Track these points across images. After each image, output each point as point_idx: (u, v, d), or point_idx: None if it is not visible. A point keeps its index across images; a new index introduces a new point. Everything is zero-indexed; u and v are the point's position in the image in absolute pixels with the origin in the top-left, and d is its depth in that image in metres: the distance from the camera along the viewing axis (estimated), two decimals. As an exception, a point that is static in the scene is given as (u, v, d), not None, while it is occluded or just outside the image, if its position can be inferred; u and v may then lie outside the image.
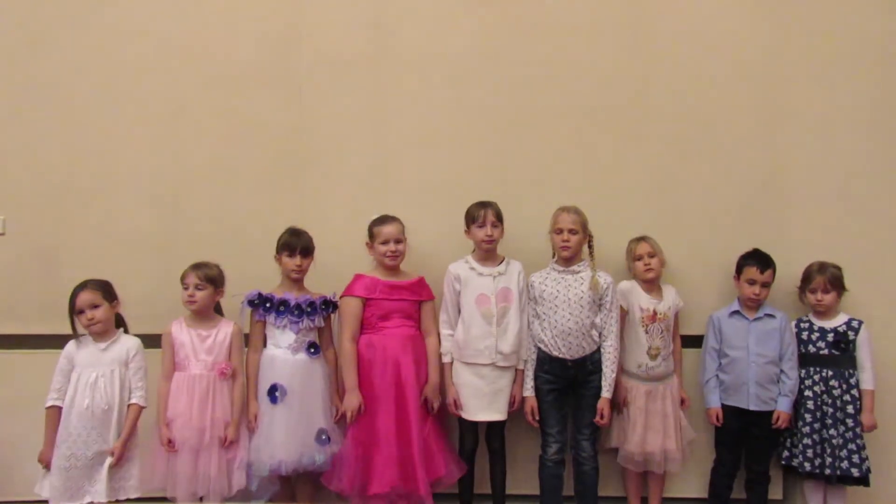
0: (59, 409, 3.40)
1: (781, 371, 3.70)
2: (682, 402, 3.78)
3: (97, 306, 3.41)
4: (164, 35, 3.99)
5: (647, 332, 3.70)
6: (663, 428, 3.69)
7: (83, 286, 3.44)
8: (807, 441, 3.66)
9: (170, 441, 3.44)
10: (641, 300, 3.73)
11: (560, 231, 3.66)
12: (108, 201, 3.98)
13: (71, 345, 3.46)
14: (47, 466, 3.40)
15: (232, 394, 3.58)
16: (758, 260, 3.73)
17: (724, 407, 3.72)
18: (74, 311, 3.43)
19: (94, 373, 3.39)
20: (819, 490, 3.75)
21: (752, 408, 3.67)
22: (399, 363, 3.61)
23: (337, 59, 3.99)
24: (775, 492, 3.86)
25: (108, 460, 3.35)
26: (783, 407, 3.68)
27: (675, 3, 3.99)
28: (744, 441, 3.75)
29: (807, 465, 3.65)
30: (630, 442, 3.71)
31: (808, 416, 3.68)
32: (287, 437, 3.51)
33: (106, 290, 3.46)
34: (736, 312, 3.77)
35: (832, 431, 3.64)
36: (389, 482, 3.50)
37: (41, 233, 3.98)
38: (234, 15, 4.00)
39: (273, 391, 3.56)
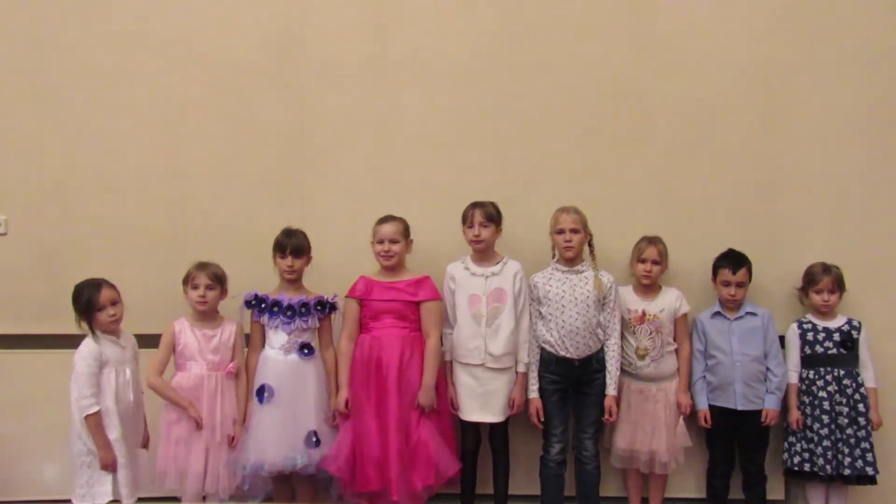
0: (100, 412, 3.32)
1: (767, 368, 3.70)
2: (682, 407, 3.73)
3: (117, 303, 3.42)
4: (164, 35, 4.00)
5: (634, 333, 3.70)
6: (652, 429, 3.68)
7: (99, 284, 3.40)
8: (826, 443, 3.63)
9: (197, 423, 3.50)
10: (629, 302, 3.74)
11: (562, 231, 3.66)
12: (110, 201, 3.99)
13: (93, 346, 3.36)
14: (113, 469, 3.33)
15: (237, 392, 3.60)
16: (730, 261, 3.72)
17: (712, 408, 3.71)
18: (95, 308, 3.37)
19: (127, 369, 3.42)
20: (821, 490, 3.73)
21: (739, 407, 3.66)
22: (381, 364, 3.58)
23: (337, 59, 4.00)
24: (777, 492, 3.85)
25: (144, 451, 3.50)
26: (771, 404, 3.67)
27: (675, 4, 3.99)
28: (735, 441, 3.74)
29: (827, 468, 3.61)
30: (617, 437, 3.72)
31: (825, 418, 3.64)
32: (272, 438, 3.50)
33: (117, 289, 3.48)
34: (717, 313, 3.77)
35: (849, 431, 3.62)
36: (367, 483, 3.49)
37: (42, 233, 3.99)
38: (235, 15, 4.01)
39: (261, 391, 3.56)
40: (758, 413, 3.67)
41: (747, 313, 3.74)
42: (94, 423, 3.31)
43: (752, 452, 3.73)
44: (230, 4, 4.02)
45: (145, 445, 3.54)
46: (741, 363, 3.68)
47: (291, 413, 3.55)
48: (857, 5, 3.92)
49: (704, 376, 3.75)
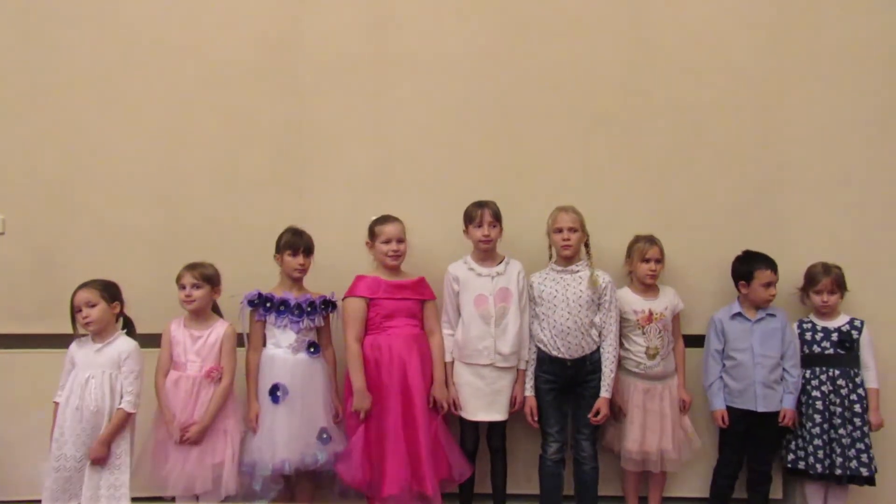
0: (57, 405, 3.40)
1: (784, 369, 3.69)
2: (684, 403, 3.76)
3: (93, 305, 3.40)
4: (163, 35, 4.00)
5: (644, 334, 3.70)
6: (660, 428, 3.69)
7: (84, 285, 3.44)
8: (817, 442, 3.64)
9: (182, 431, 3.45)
10: (633, 303, 3.73)
11: (560, 230, 3.66)
12: (108, 201, 3.99)
13: (74, 344, 3.47)
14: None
15: (214, 395, 3.52)
16: (767, 262, 3.71)
17: (730, 409, 3.70)
18: (72, 309, 3.42)
19: (87, 374, 3.38)
20: (820, 490, 3.73)
21: (759, 409, 3.65)
22: (405, 363, 3.60)
23: (337, 59, 4.00)
24: (775, 491, 3.85)
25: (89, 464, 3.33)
26: (788, 405, 3.67)
27: (674, 3, 3.99)
28: (748, 442, 3.74)
29: (818, 467, 3.62)
30: (628, 440, 3.71)
31: (817, 417, 3.65)
32: (289, 437, 3.51)
33: (107, 291, 3.45)
34: (738, 314, 3.76)
35: (841, 431, 3.62)
36: (401, 483, 3.49)
37: (41, 232, 3.98)
38: (234, 15, 4.00)
39: (274, 391, 3.56)
40: (775, 414, 3.66)
41: (767, 314, 3.74)
42: (54, 412, 3.38)
43: (764, 453, 3.74)
44: (228, 4, 4.01)
45: (92, 459, 3.32)
46: (762, 365, 3.67)
47: (304, 411, 3.56)
48: (856, 6, 3.92)
49: (721, 377, 3.75)
